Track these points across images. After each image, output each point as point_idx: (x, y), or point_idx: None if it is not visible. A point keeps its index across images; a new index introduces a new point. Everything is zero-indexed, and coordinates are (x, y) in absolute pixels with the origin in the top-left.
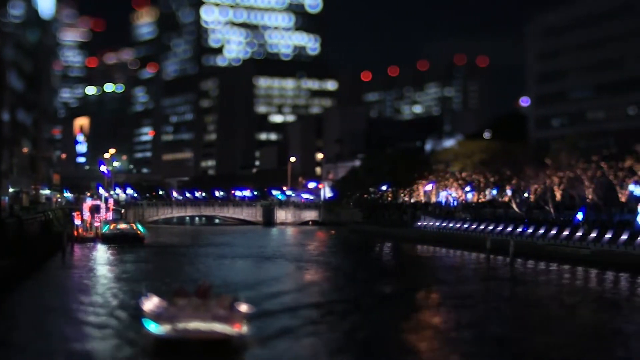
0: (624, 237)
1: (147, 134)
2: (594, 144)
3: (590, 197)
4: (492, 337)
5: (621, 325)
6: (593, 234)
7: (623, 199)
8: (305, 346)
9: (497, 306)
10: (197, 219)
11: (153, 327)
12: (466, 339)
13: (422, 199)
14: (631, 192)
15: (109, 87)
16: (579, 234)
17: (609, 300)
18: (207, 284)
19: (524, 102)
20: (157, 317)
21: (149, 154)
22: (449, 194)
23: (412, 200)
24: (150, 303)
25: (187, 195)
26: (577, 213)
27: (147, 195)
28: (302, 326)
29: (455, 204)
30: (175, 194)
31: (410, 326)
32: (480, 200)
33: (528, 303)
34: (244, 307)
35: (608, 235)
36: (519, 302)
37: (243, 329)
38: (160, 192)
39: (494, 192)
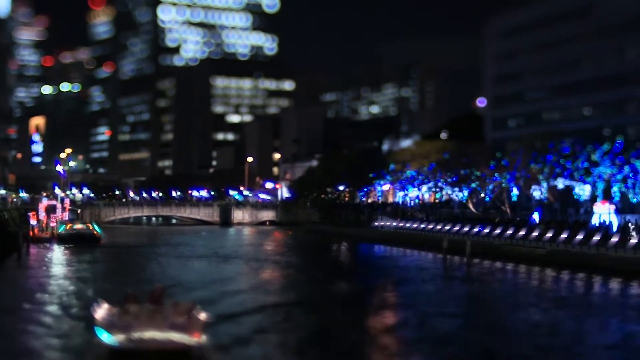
0: (580, 237)
1: (103, 133)
2: (550, 144)
3: (548, 197)
4: (441, 336)
5: (571, 324)
6: (549, 234)
7: (578, 199)
8: (266, 354)
9: (450, 305)
10: (154, 219)
11: (106, 337)
12: (416, 338)
13: (379, 199)
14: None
15: (65, 87)
16: (535, 234)
17: (561, 299)
18: (161, 289)
19: (481, 102)
20: (110, 326)
21: (105, 153)
22: (406, 194)
23: (369, 201)
24: (102, 310)
25: (144, 195)
26: (532, 213)
27: (104, 195)
28: (261, 331)
29: (412, 204)
30: (132, 194)
31: (366, 327)
32: (437, 200)
33: (480, 302)
34: (202, 315)
35: (564, 235)
36: (472, 301)
37: (202, 338)
38: (117, 192)
39: (451, 192)
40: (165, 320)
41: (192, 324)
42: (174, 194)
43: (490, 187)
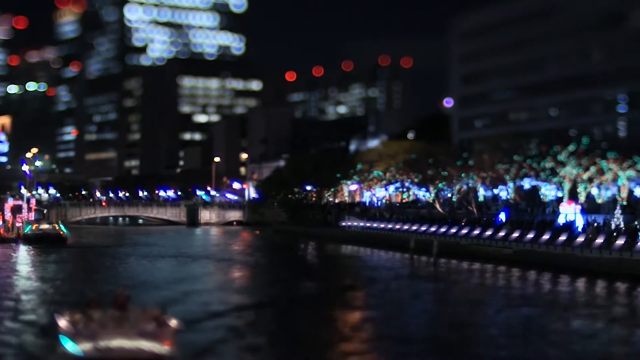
0: (546, 236)
1: (70, 133)
2: (516, 144)
3: (512, 197)
4: (404, 335)
5: (536, 322)
6: (515, 234)
7: (544, 199)
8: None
9: (414, 304)
10: (120, 219)
11: (70, 346)
12: (380, 337)
13: (347, 199)
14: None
15: (31, 86)
16: (502, 233)
17: (523, 298)
18: (126, 294)
19: (448, 103)
20: (75, 334)
21: (72, 153)
22: (373, 194)
23: (337, 201)
24: (66, 317)
25: (111, 195)
26: (499, 213)
27: (70, 195)
28: (230, 333)
29: (379, 204)
30: (98, 194)
31: (331, 327)
32: (404, 201)
33: (444, 301)
34: (173, 322)
35: (530, 235)
36: (436, 301)
37: (173, 346)
38: (84, 192)
39: (418, 192)
40: (133, 328)
41: (163, 332)
42: (140, 194)
43: (457, 187)
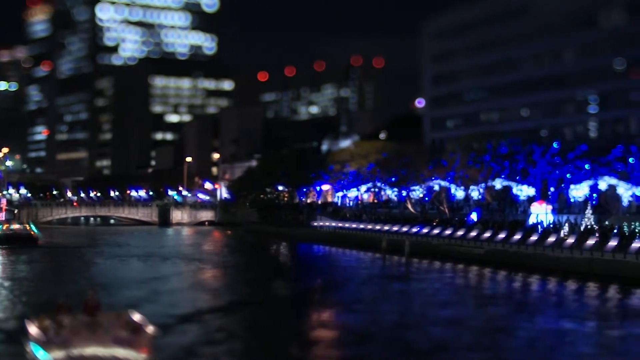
0: (517, 237)
1: (41, 133)
2: (488, 145)
3: (486, 197)
4: (371, 334)
5: (502, 322)
6: (487, 234)
7: (516, 199)
8: None
9: (384, 304)
10: (92, 219)
11: (42, 354)
12: (349, 336)
13: (319, 199)
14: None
15: (1, 86)
16: (473, 233)
17: (491, 297)
18: (96, 298)
19: (420, 103)
20: (47, 341)
21: (43, 153)
22: (345, 194)
23: (309, 201)
24: (37, 324)
25: (82, 195)
26: (470, 213)
27: (41, 195)
28: (202, 336)
29: (351, 204)
30: (70, 194)
31: (298, 327)
32: (376, 201)
33: (413, 301)
34: (150, 328)
35: (501, 235)
36: (405, 300)
37: (150, 353)
38: (55, 192)
39: (390, 192)
40: (108, 334)
41: (139, 338)
42: (112, 194)
43: (429, 187)
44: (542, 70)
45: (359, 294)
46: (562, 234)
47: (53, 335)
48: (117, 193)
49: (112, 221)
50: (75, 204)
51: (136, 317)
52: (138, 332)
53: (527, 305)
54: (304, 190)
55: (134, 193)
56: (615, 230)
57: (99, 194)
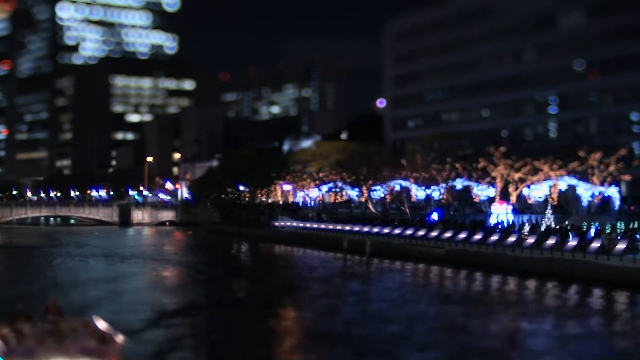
0: (478, 236)
1: (0, 132)
2: (448, 145)
3: (444, 197)
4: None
5: (457, 320)
6: (448, 234)
7: (476, 199)
8: None
9: (340, 303)
10: (52, 219)
11: None
12: (306, 336)
13: (280, 199)
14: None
15: None
16: (434, 233)
17: (451, 296)
18: (58, 305)
19: (381, 103)
20: (8, 352)
21: (2, 153)
22: (306, 194)
23: (270, 201)
24: None
25: (42, 195)
26: (431, 213)
27: (1, 195)
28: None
29: (312, 204)
30: (29, 193)
31: (263, 328)
32: (337, 201)
33: (370, 300)
34: (119, 337)
35: (462, 235)
36: (363, 300)
37: None
38: (15, 192)
39: (351, 192)
40: (75, 344)
41: (108, 348)
42: (72, 193)
43: (390, 187)
44: (503, 71)
45: (318, 293)
46: (522, 234)
47: (15, 346)
48: (77, 193)
49: (72, 221)
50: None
51: (102, 324)
52: (107, 342)
53: (484, 304)
54: (266, 190)
55: (94, 193)
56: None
57: (59, 194)
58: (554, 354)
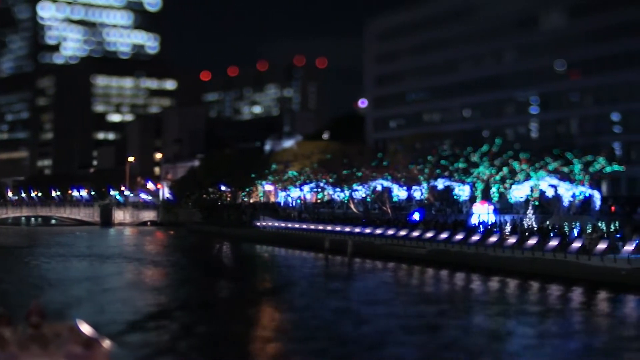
0: (459, 236)
1: None
2: (430, 145)
3: (426, 197)
4: (303, 332)
5: (436, 319)
6: (429, 234)
7: (458, 199)
8: None
9: (320, 303)
10: (33, 219)
11: None
12: (282, 335)
13: (262, 199)
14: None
15: None
16: (416, 233)
17: (430, 296)
18: (40, 309)
19: (362, 103)
20: None
21: None
22: (288, 194)
23: (251, 201)
24: None
25: (23, 195)
26: (412, 213)
27: None
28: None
29: (294, 204)
30: (10, 194)
31: (242, 329)
32: (318, 201)
33: (349, 300)
34: (106, 343)
35: (444, 235)
36: (343, 299)
37: None
38: None
39: (333, 192)
40: (60, 350)
41: (94, 354)
42: (53, 194)
43: (372, 187)
44: (484, 71)
45: (298, 293)
46: (503, 234)
47: None
48: (58, 193)
49: (53, 221)
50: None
51: (87, 329)
52: (93, 347)
53: (463, 303)
54: (247, 190)
55: (75, 193)
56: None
57: (40, 194)
58: (532, 353)
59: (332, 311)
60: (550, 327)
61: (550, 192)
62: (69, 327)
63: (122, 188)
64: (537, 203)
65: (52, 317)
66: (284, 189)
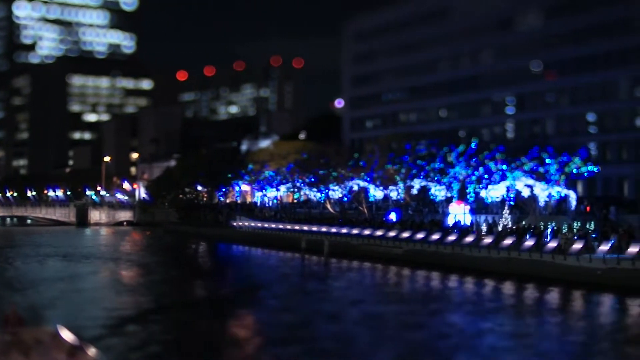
0: (435, 236)
1: None
2: (406, 145)
3: (403, 197)
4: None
5: (409, 318)
6: (406, 234)
7: (434, 199)
8: None
9: (295, 304)
10: (8, 219)
11: None
12: (256, 335)
13: (238, 199)
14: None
15: None
16: (392, 233)
17: (403, 295)
18: (18, 314)
19: (339, 103)
20: None
21: None
22: (265, 194)
23: (228, 201)
24: None
25: None
26: (388, 212)
27: None
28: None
29: (270, 204)
30: None
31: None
32: (295, 201)
33: (323, 300)
34: (91, 351)
35: (420, 235)
36: (316, 299)
37: None
38: None
39: (309, 192)
40: (43, 357)
41: None
42: (29, 194)
43: (348, 187)
44: (461, 72)
45: (274, 293)
46: (480, 234)
47: None
48: (34, 193)
49: (29, 221)
50: None
51: (69, 335)
52: (77, 356)
53: (438, 303)
54: (224, 190)
55: (51, 193)
56: (531, 230)
57: (15, 194)
58: (503, 352)
59: (306, 311)
60: (523, 326)
61: (526, 192)
62: (50, 334)
63: (98, 188)
64: (512, 203)
65: (28, 319)
66: (261, 188)
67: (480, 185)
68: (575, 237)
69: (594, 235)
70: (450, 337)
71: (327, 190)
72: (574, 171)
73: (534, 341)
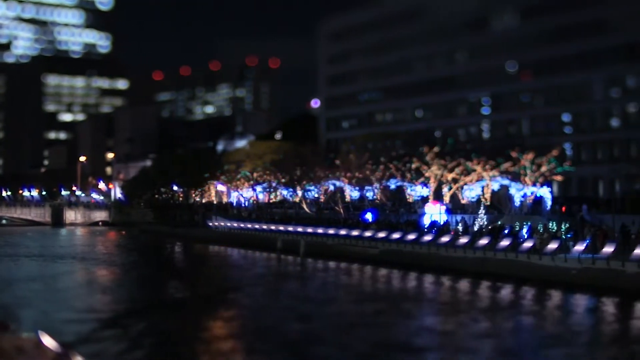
0: (411, 236)
1: None
2: (382, 145)
3: (378, 197)
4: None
5: (380, 318)
6: (382, 234)
7: (410, 199)
8: None
9: (272, 302)
10: None
11: None
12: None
13: (214, 199)
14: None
15: None
16: (368, 233)
17: (376, 295)
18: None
19: (315, 103)
20: None
21: None
22: (240, 194)
23: (204, 201)
24: None
25: None
26: (364, 212)
27: None
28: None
29: (246, 204)
30: None
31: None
32: (271, 201)
33: (302, 299)
34: (77, 358)
35: (396, 235)
36: (295, 299)
37: None
38: None
39: (285, 192)
40: None
41: None
42: (4, 194)
43: (324, 187)
44: (436, 72)
45: (249, 293)
46: (455, 234)
47: None
48: (9, 193)
49: (4, 222)
50: None
51: (52, 343)
52: None
53: (410, 302)
54: (199, 190)
55: (26, 193)
56: (507, 230)
57: None
58: (478, 349)
59: (280, 310)
60: (496, 325)
61: (501, 192)
62: (33, 342)
63: (74, 188)
64: (488, 203)
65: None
66: (236, 189)
67: (456, 186)
68: (551, 237)
69: (569, 235)
70: (422, 335)
71: (303, 191)
72: (549, 171)
73: (503, 339)
